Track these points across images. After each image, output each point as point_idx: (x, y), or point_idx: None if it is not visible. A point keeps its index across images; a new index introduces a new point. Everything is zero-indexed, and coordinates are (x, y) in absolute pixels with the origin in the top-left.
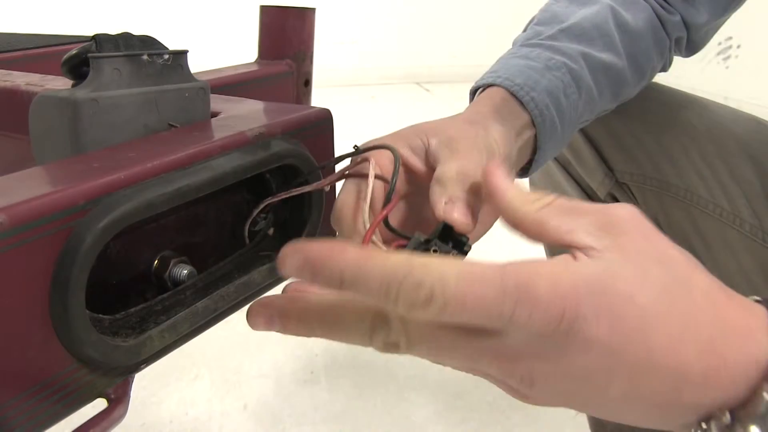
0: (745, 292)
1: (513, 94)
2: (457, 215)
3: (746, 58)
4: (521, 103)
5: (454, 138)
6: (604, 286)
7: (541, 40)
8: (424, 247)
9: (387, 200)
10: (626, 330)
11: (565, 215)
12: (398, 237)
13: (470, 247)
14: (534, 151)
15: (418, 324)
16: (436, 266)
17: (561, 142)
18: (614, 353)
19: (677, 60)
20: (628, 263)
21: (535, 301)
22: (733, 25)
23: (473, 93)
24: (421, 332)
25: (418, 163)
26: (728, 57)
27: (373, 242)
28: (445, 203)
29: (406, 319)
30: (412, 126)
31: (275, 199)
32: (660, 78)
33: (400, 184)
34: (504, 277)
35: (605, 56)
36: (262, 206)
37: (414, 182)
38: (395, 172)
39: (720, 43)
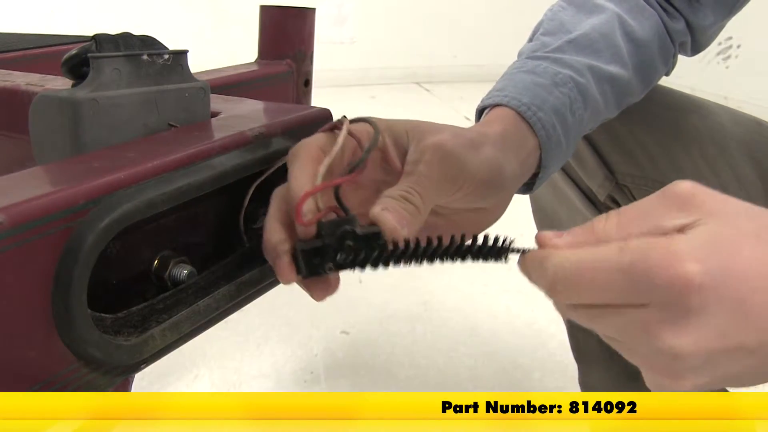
0: None
1: (520, 114)
2: (388, 219)
3: (746, 58)
4: (529, 124)
5: (427, 158)
6: (713, 246)
7: (547, 52)
8: (345, 241)
9: (350, 170)
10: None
11: (637, 223)
12: (339, 207)
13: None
14: (538, 166)
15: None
16: (559, 255)
17: (565, 156)
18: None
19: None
20: (722, 226)
21: (652, 267)
22: (733, 25)
23: (480, 112)
24: (577, 310)
25: (396, 161)
26: (728, 57)
27: (316, 201)
28: (381, 208)
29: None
30: (408, 122)
31: (263, 177)
32: (660, 79)
33: (375, 170)
34: (621, 254)
35: (612, 68)
36: (252, 190)
37: (390, 174)
38: (370, 146)
39: (720, 43)
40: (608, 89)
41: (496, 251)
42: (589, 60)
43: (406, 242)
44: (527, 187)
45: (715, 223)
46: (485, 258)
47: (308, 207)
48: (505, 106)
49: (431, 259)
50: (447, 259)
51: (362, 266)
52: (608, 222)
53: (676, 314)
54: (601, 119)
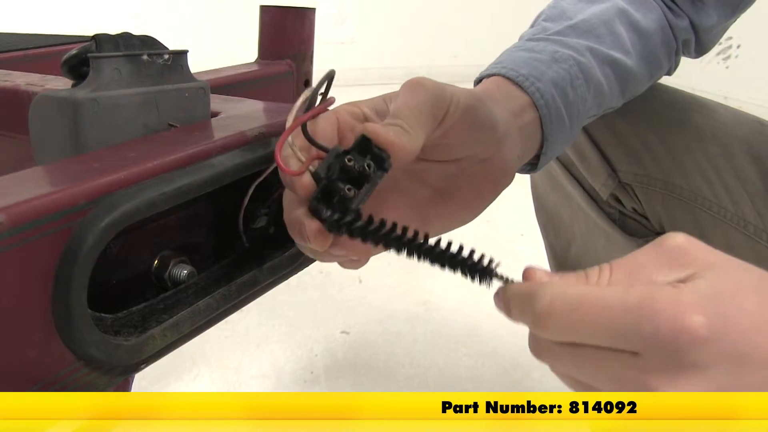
0: None
1: (518, 84)
2: (373, 125)
3: (746, 58)
4: (521, 88)
5: (403, 89)
6: (717, 300)
7: (548, 35)
8: (342, 158)
9: (307, 108)
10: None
11: (630, 277)
12: (318, 148)
13: (391, 165)
14: (541, 145)
15: (556, 342)
16: (559, 285)
17: (569, 135)
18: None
19: None
20: (722, 280)
21: (658, 313)
22: (734, 25)
23: (476, 84)
24: (561, 349)
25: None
26: (728, 57)
27: (291, 146)
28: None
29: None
30: (385, 94)
31: (263, 177)
32: (664, 73)
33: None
34: (626, 295)
35: (614, 53)
36: (251, 190)
37: None
38: (320, 83)
39: (720, 43)
40: (610, 72)
41: (479, 269)
42: (590, 43)
43: (394, 225)
44: (532, 167)
45: (714, 277)
46: (466, 272)
47: (286, 152)
48: (503, 76)
49: (413, 251)
50: (426, 257)
51: (375, 175)
52: (602, 274)
53: (676, 365)
54: (605, 104)
